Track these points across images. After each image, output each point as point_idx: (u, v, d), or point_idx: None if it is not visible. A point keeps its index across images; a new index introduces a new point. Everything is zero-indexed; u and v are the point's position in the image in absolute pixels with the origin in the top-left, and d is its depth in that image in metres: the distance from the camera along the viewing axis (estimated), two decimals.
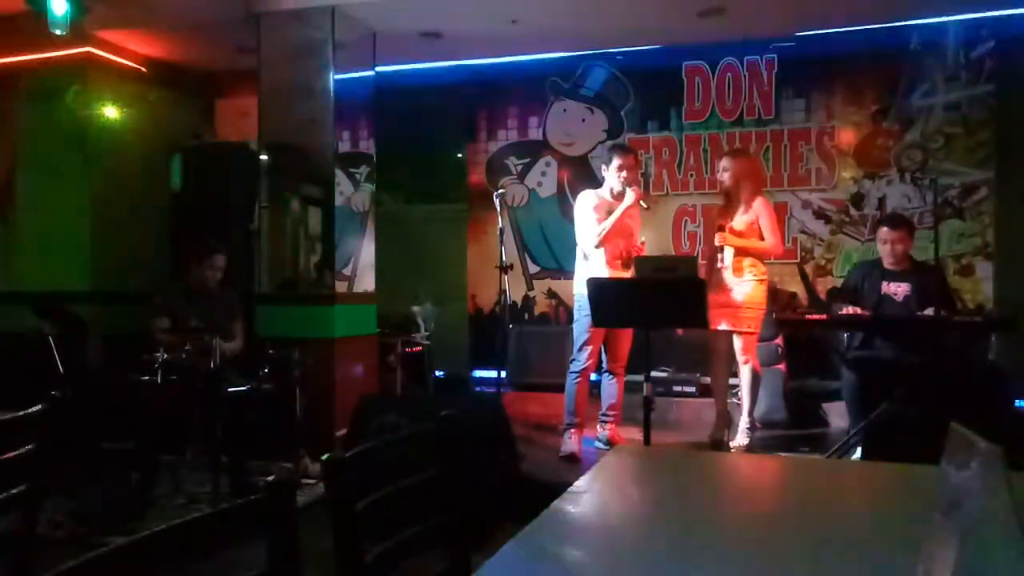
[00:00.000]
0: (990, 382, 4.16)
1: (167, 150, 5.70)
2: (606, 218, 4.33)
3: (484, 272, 6.31)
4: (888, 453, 2.63)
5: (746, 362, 4.42)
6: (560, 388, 4.54)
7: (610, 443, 4.44)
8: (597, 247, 4.36)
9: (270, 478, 1.15)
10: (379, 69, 5.61)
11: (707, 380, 5.10)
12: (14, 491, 1.64)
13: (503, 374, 5.12)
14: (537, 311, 6.62)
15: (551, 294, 6.59)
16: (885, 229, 4.22)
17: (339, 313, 4.95)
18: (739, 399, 4.61)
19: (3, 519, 1.69)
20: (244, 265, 5.04)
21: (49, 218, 5.61)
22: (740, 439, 4.45)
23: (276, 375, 4.09)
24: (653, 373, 3.80)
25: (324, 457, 1.30)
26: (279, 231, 5.27)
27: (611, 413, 4.53)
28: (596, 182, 4.93)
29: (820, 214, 5.97)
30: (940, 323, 3.77)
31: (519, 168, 6.67)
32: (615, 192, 4.41)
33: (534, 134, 6.64)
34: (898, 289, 4.13)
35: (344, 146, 5.39)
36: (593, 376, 4.55)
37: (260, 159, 5.23)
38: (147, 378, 3.72)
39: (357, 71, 5.40)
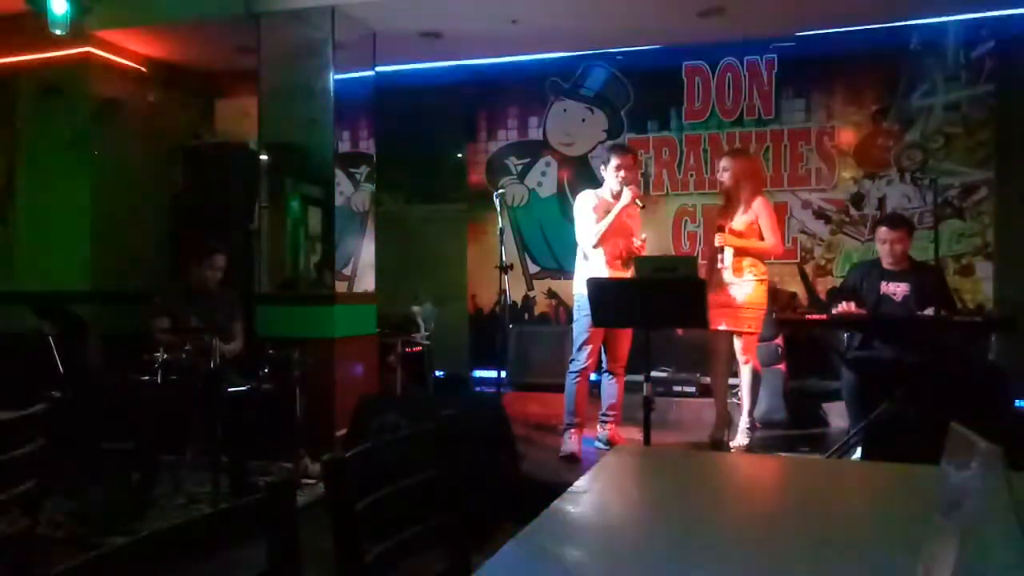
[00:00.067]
0: (990, 382, 4.16)
1: (167, 150, 5.70)
2: (604, 218, 4.34)
3: (484, 272, 6.31)
4: (888, 453, 2.63)
5: (746, 362, 4.42)
6: (560, 388, 4.54)
7: (610, 443, 4.44)
8: (595, 247, 4.36)
9: (270, 478, 1.15)
10: (379, 69, 5.61)
11: (707, 380, 5.11)
12: (15, 491, 1.64)
13: (503, 374, 5.12)
14: (537, 311, 6.63)
15: (551, 294, 6.59)
16: (884, 229, 4.22)
17: (339, 313, 4.95)
18: (739, 399, 4.61)
19: (3, 519, 1.69)
20: (244, 265, 5.05)
21: (49, 218, 5.61)
22: (740, 439, 4.45)
23: (276, 375, 4.08)
24: (653, 373, 3.80)
25: (324, 457, 1.30)
26: (279, 231, 5.27)
27: (611, 413, 4.53)
28: (596, 182, 4.93)
29: (820, 214, 5.97)
30: (940, 323, 3.77)
31: (519, 168, 6.67)
32: (614, 192, 4.41)
33: (534, 134, 6.64)
34: (897, 289, 4.13)
35: (344, 146, 5.39)
36: (593, 376, 4.56)
37: (260, 159, 5.23)
38: (147, 378, 3.72)
39: (357, 71, 5.40)
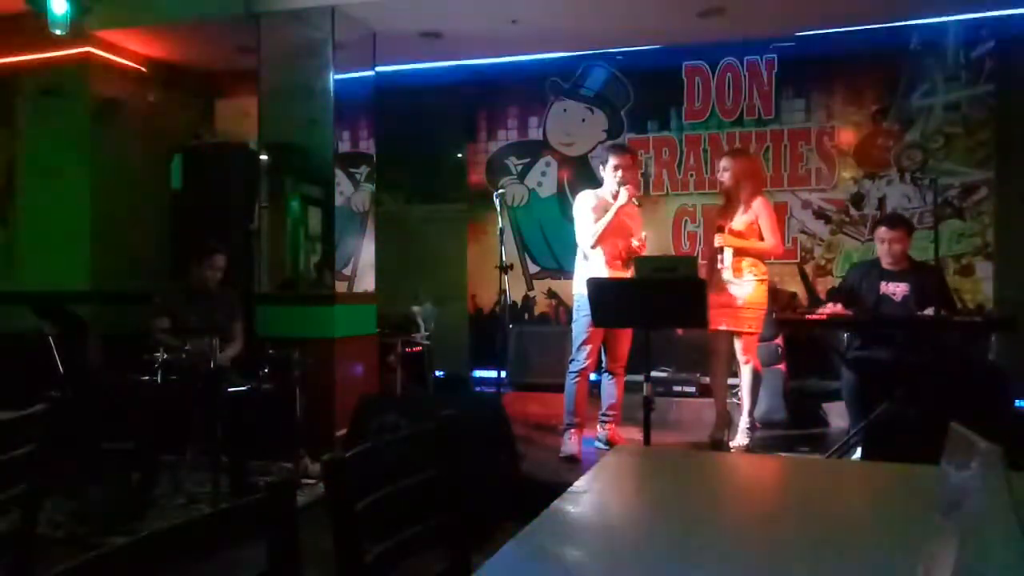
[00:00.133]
0: (990, 382, 4.16)
1: (167, 150, 5.69)
2: (603, 218, 4.34)
3: (484, 272, 6.31)
4: (888, 453, 2.63)
5: (746, 362, 4.42)
6: (560, 388, 4.54)
7: (610, 443, 4.44)
8: (593, 247, 4.36)
9: (270, 478, 1.15)
10: (379, 69, 5.61)
11: (707, 380, 5.11)
12: (14, 491, 1.64)
13: (503, 374, 5.12)
14: (537, 311, 6.63)
15: (551, 294, 6.59)
16: (883, 229, 4.22)
17: (339, 313, 4.95)
18: (739, 399, 4.61)
19: (3, 519, 1.69)
20: (244, 265, 5.05)
21: (49, 218, 5.61)
22: (740, 439, 4.45)
23: (276, 375, 4.08)
24: (653, 373, 3.80)
25: (324, 457, 1.30)
26: (279, 231, 5.27)
27: (611, 413, 4.53)
28: (596, 182, 4.92)
29: (820, 214, 5.97)
30: (940, 323, 3.76)
31: (519, 168, 6.67)
32: (613, 192, 4.41)
33: (534, 134, 6.64)
34: (896, 289, 4.12)
35: (344, 146, 5.39)
36: (593, 376, 4.56)
37: (260, 159, 5.23)
38: (147, 378, 3.72)
39: (357, 71, 5.40)
